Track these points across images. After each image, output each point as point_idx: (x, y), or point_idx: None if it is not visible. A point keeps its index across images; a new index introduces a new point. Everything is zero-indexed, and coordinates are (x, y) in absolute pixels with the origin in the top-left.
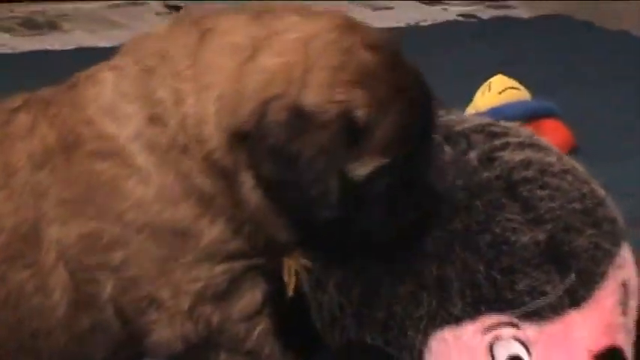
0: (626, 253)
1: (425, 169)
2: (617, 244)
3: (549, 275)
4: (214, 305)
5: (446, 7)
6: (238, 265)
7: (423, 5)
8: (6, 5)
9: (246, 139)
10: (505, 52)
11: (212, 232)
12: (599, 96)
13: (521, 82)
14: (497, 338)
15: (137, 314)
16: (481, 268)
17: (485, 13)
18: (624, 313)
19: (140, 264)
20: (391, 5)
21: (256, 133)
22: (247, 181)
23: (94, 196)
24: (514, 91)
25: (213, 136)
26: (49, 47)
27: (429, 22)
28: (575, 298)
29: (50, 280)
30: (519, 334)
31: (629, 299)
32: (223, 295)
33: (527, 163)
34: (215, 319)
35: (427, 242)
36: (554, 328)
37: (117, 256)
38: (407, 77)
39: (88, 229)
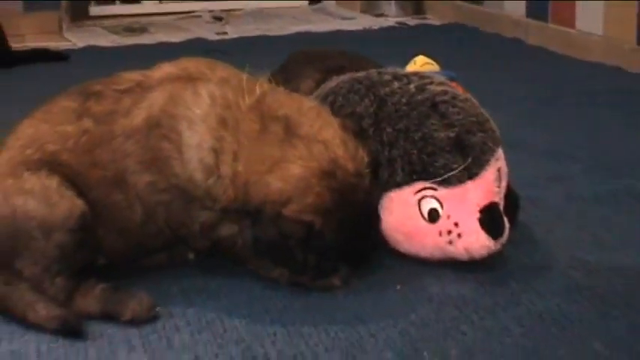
0: (501, 151)
1: (364, 235)
2: (497, 145)
3: (456, 158)
4: (212, 231)
5: (388, 18)
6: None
7: (373, 17)
8: (117, 18)
9: (248, 214)
10: (423, 44)
11: (209, 202)
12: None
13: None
14: (423, 197)
15: (176, 228)
16: (415, 152)
17: (412, 21)
18: (498, 187)
19: (175, 204)
20: (354, 16)
21: (256, 215)
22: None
23: (156, 162)
24: (430, 65)
25: (231, 191)
26: (141, 43)
27: (377, 27)
28: (471, 173)
29: (133, 202)
30: (436, 193)
31: (502, 180)
32: (214, 226)
33: (444, 92)
34: (213, 236)
35: (383, 135)
36: (457, 191)
37: (164, 197)
38: (348, 209)
39: (151, 179)
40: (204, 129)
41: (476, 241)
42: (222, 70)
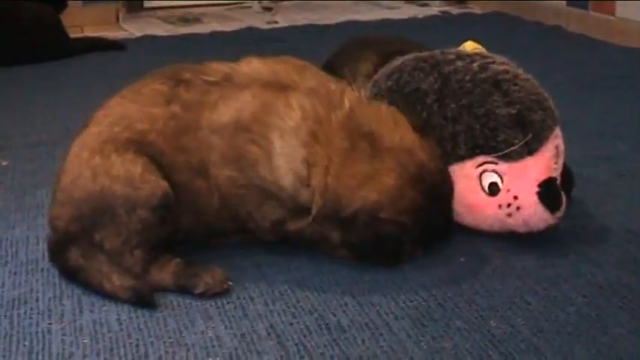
0: (558, 130)
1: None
2: (555, 123)
3: (516, 134)
4: (279, 225)
5: (432, 7)
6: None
7: (418, 6)
8: (170, 9)
9: (342, 221)
10: (467, 32)
11: (288, 203)
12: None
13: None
14: (484, 171)
15: (245, 220)
16: (478, 127)
17: (455, 10)
18: (556, 163)
19: (249, 199)
20: (399, 5)
21: (349, 222)
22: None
23: (240, 161)
24: (478, 50)
25: (319, 201)
26: (195, 31)
27: (421, 16)
28: (530, 149)
29: (213, 190)
30: (497, 167)
31: (559, 157)
32: (285, 222)
33: (506, 71)
34: (281, 232)
35: (447, 111)
36: (517, 165)
37: (241, 191)
38: (436, 205)
39: (231, 174)
40: (296, 141)
41: (534, 214)
42: (310, 76)
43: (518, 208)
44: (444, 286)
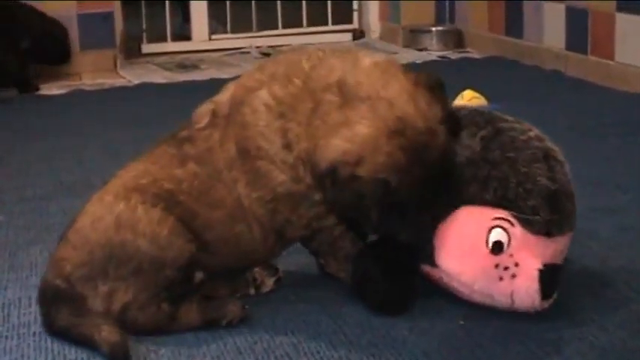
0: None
1: (441, 194)
2: (574, 226)
3: (545, 207)
4: (317, 221)
5: (430, 52)
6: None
7: (416, 51)
8: (169, 55)
9: (323, 177)
10: (466, 77)
11: (317, 195)
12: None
13: (480, 94)
14: (498, 226)
15: (281, 226)
16: (514, 181)
17: (454, 55)
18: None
19: (284, 207)
20: (397, 50)
21: (328, 179)
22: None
23: (260, 179)
24: (477, 99)
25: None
26: (192, 79)
27: (420, 61)
28: (549, 231)
29: (252, 225)
30: (511, 229)
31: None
32: (322, 216)
33: (558, 152)
34: (316, 226)
35: (489, 155)
36: (531, 238)
37: (270, 206)
38: (423, 167)
39: (260, 195)
40: (273, 134)
41: (526, 289)
42: (272, 64)
43: (513, 276)
44: (445, 351)
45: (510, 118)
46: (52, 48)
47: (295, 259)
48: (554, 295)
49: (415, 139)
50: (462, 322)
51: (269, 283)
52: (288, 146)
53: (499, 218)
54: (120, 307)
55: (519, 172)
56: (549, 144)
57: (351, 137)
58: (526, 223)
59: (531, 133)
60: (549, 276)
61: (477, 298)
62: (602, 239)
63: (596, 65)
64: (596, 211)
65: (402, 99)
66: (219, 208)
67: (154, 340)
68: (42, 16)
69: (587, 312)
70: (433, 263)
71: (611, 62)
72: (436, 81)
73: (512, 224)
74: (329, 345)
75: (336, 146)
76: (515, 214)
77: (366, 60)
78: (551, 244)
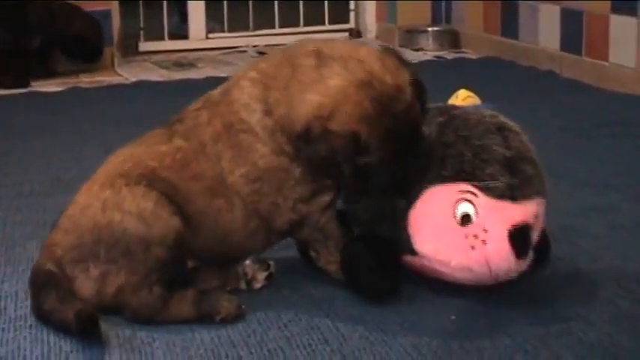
0: (543, 201)
1: (410, 151)
2: (540, 193)
3: (504, 173)
4: (304, 204)
5: (426, 52)
6: (314, 185)
7: (412, 51)
8: (166, 53)
9: (299, 137)
10: (461, 77)
11: (298, 170)
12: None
13: (475, 93)
14: (462, 199)
15: (268, 211)
16: (470, 155)
17: (449, 55)
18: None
19: (269, 188)
20: None
21: (303, 138)
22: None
23: (243, 154)
24: (471, 98)
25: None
26: (189, 77)
27: (416, 61)
28: (513, 195)
29: (233, 202)
30: (475, 200)
31: (537, 228)
32: (308, 199)
33: (513, 125)
34: (304, 210)
35: (443, 137)
36: (496, 203)
37: (257, 185)
38: (391, 119)
39: (244, 172)
40: (255, 103)
41: (498, 252)
42: (261, 61)
43: (484, 242)
44: (434, 346)
45: (467, 107)
46: (81, 46)
47: (287, 254)
48: (530, 254)
49: (382, 91)
50: (453, 317)
51: (260, 277)
52: (268, 112)
53: (463, 191)
54: (114, 290)
55: (474, 146)
56: (503, 119)
57: (324, 90)
58: (488, 191)
59: (486, 113)
60: (520, 235)
61: (459, 275)
62: (593, 237)
63: (590, 66)
64: (588, 210)
65: (371, 58)
66: (198, 181)
67: (148, 332)
68: (74, 12)
69: (576, 308)
70: (413, 251)
71: (605, 63)
72: (405, 58)
73: (475, 195)
74: (321, 338)
75: (310, 101)
76: (476, 184)
77: (342, 40)
78: (518, 208)
